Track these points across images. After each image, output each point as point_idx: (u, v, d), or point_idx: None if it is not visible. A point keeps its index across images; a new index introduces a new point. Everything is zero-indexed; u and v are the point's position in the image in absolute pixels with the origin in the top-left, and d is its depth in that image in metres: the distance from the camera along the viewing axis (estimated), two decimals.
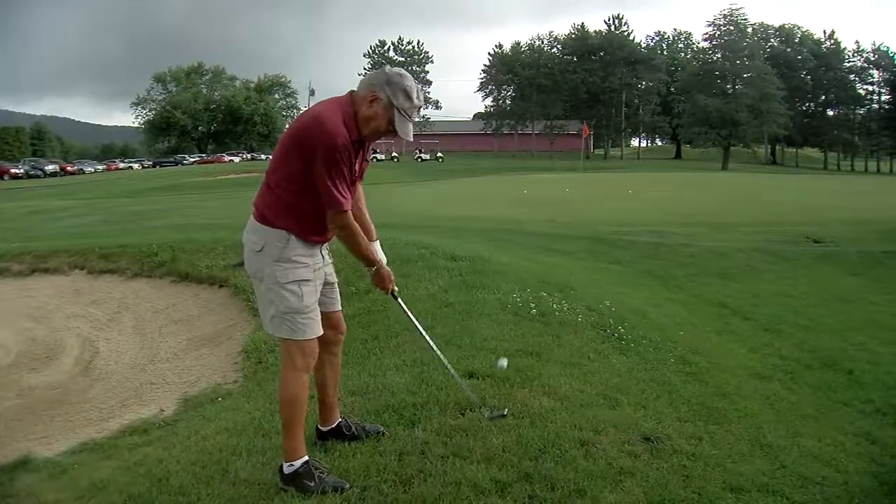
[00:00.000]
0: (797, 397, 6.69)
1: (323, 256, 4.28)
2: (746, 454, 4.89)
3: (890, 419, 6.29)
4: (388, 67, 4.00)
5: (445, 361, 4.78)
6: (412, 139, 4.09)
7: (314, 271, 4.13)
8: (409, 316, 4.61)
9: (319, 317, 4.17)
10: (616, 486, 4.08)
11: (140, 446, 5.42)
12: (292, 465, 4.04)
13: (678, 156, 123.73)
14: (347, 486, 4.03)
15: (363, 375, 5.88)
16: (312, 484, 3.98)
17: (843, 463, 5.13)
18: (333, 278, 4.42)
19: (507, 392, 5.27)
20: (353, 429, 4.62)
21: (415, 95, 3.95)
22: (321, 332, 4.17)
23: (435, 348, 4.74)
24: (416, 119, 4.04)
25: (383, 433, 4.63)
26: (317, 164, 3.78)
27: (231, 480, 4.24)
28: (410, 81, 3.97)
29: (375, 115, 3.92)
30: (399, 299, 4.50)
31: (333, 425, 4.62)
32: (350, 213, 4.00)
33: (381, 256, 4.37)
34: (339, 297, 4.53)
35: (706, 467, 4.47)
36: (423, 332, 4.70)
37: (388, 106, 3.91)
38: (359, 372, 6.03)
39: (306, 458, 4.08)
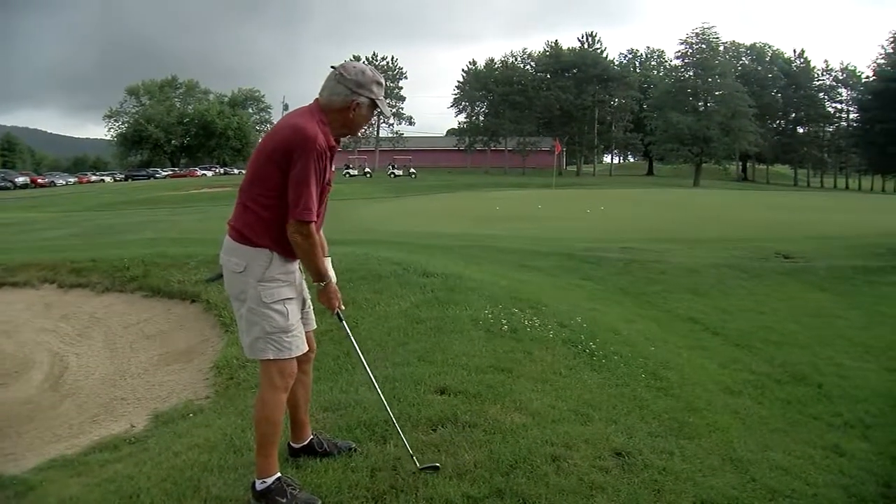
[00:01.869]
0: (767, 411, 6.73)
1: (300, 273, 4.26)
2: (717, 468, 4.93)
3: (858, 432, 6.35)
4: (343, 72, 4.01)
5: (380, 391, 4.67)
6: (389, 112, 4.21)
7: (294, 288, 4.12)
8: (349, 337, 4.56)
9: (303, 334, 4.17)
10: (588, 501, 4.10)
11: (110, 463, 5.36)
12: (265, 481, 4.02)
13: (650, 172, 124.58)
14: (319, 502, 4.03)
15: (335, 391, 5.87)
16: (284, 500, 3.97)
17: (812, 476, 5.17)
18: (307, 295, 4.39)
19: (478, 408, 5.29)
20: (325, 445, 4.61)
21: (380, 77, 4.12)
22: (306, 348, 4.18)
23: (372, 377, 4.66)
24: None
25: (355, 449, 4.63)
26: (294, 169, 3.78)
27: (203, 497, 4.21)
28: (369, 70, 4.10)
29: (363, 118, 4.10)
30: (344, 321, 4.43)
31: (305, 442, 4.60)
32: (313, 224, 3.94)
33: (332, 273, 4.29)
34: (313, 316, 4.50)
35: (677, 481, 4.50)
36: (361, 357, 4.65)
37: (370, 105, 4.06)
38: (331, 388, 6.02)
39: (279, 474, 4.07)
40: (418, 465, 4.27)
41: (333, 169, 4.21)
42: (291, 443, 4.61)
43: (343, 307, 4.38)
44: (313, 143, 3.77)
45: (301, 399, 4.51)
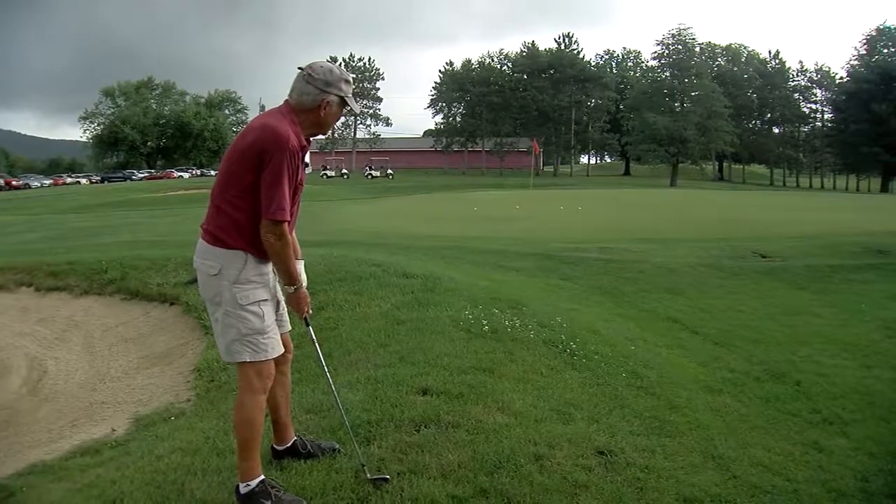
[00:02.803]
0: (747, 409, 6.77)
1: (273, 275, 4.23)
2: (698, 465, 4.98)
3: (836, 428, 6.40)
4: (311, 72, 4.02)
5: (339, 402, 4.71)
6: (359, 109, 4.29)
7: (268, 290, 4.12)
8: (314, 343, 4.54)
9: (279, 335, 4.18)
10: (571, 500, 4.13)
11: (92, 467, 5.32)
12: (248, 484, 4.01)
13: (627, 172, 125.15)
14: (304, 503, 4.03)
15: (317, 393, 5.85)
16: (269, 503, 3.96)
17: (792, 472, 5.24)
18: (281, 297, 4.36)
19: (461, 408, 5.30)
20: (309, 447, 4.61)
21: (348, 75, 4.17)
22: (282, 350, 4.18)
23: (333, 388, 4.66)
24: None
25: (339, 450, 4.63)
26: (267, 169, 3.78)
27: (187, 500, 4.20)
28: (336, 68, 4.11)
29: (333, 116, 4.14)
30: (310, 326, 4.42)
31: (289, 444, 4.60)
32: (286, 225, 3.93)
33: (303, 277, 4.29)
34: (287, 318, 4.49)
35: (659, 479, 4.55)
36: (324, 364, 4.62)
37: (340, 103, 4.11)
38: (313, 390, 6.00)
39: (262, 477, 4.06)
40: (369, 475, 4.24)
41: (309, 170, 4.21)
42: (274, 445, 4.61)
43: (311, 312, 4.37)
44: (285, 143, 3.79)
45: (281, 400, 4.50)
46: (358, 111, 4.22)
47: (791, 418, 6.64)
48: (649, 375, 7.11)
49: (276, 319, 4.22)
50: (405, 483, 4.17)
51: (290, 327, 4.50)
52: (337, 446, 4.67)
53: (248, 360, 4.00)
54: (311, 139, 4.37)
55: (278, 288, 4.31)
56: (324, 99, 4.02)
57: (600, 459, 4.71)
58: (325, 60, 4.27)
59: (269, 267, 4.13)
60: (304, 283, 4.27)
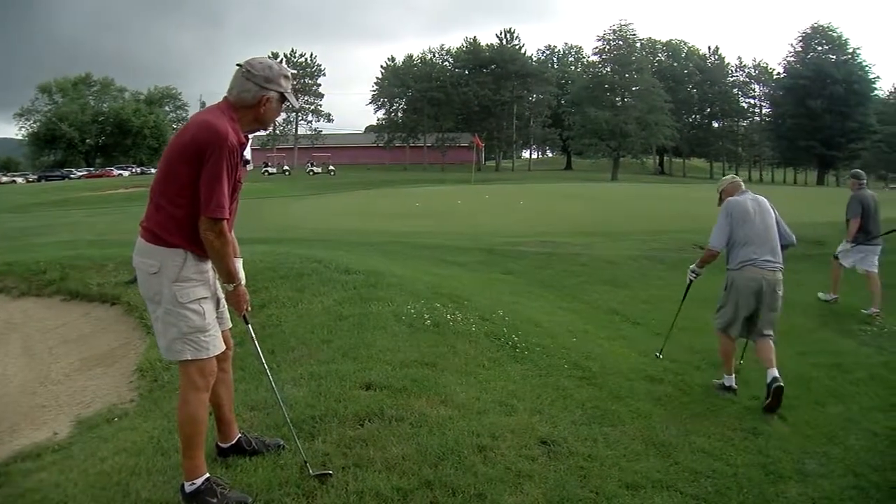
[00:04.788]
0: (688, 398, 6.87)
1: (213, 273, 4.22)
2: (641, 453, 5.08)
3: (774, 414, 6.52)
4: (251, 69, 4.03)
5: (280, 399, 4.73)
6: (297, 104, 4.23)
7: (208, 287, 4.11)
8: (254, 341, 4.53)
9: (220, 333, 4.18)
10: (515, 489, 4.18)
11: (34, 472, 5.24)
12: (194, 483, 4.01)
13: (569, 167, 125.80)
14: (250, 500, 4.05)
15: (260, 390, 5.84)
16: (215, 500, 3.97)
17: (732, 456, 5.35)
18: (221, 294, 4.34)
19: (404, 402, 5.34)
20: (254, 444, 4.61)
21: (287, 71, 4.18)
22: (223, 347, 4.19)
23: (274, 385, 4.68)
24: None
25: (283, 446, 4.63)
26: (206, 166, 3.76)
27: (132, 501, 4.18)
28: (275, 64, 4.13)
29: (273, 112, 4.15)
30: (249, 325, 4.42)
31: (233, 441, 4.59)
32: (224, 222, 3.91)
33: (242, 275, 4.28)
34: (228, 315, 4.48)
35: (602, 467, 4.63)
36: (264, 360, 4.61)
37: (280, 99, 4.12)
38: (256, 387, 5.99)
39: (207, 475, 4.06)
40: (312, 471, 4.25)
41: (251, 167, 4.21)
42: (219, 443, 4.60)
43: (250, 309, 4.37)
44: (224, 140, 3.77)
45: (224, 397, 4.49)
46: (297, 107, 4.27)
47: (730, 405, 6.75)
48: (591, 366, 7.20)
49: (217, 317, 4.22)
50: (350, 477, 4.19)
51: (230, 324, 4.49)
52: (282, 443, 4.67)
53: (189, 359, 3.99)
54: (251, 136, 4.36)
55: (218, 285, 4.30)
56: (263, 95, 4.02)
57: (543, 449, 4.78)
58: (266, 56, 4.27)
59: (209, 265, 4.11)
60: (243, 281, 4.26)
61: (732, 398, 6.94)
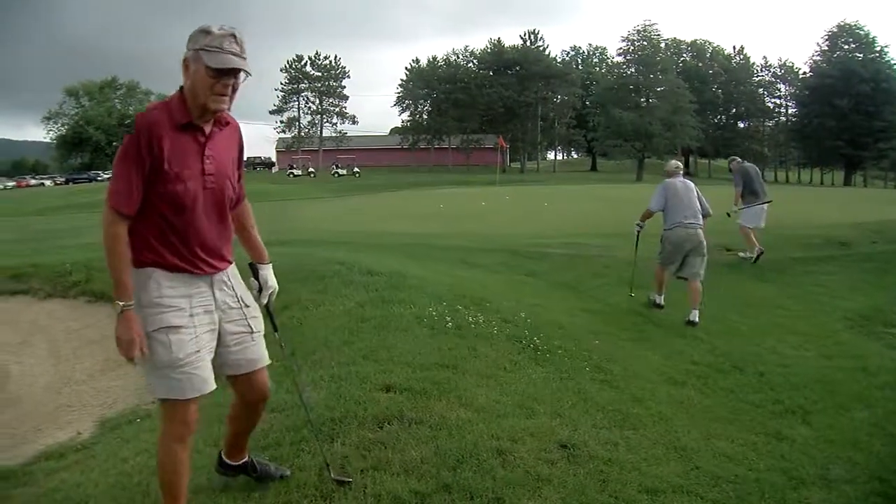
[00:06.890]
0: (710, 401, 6.82)
1: (216, 295, 3.66)
2: (661, 457, 5.01)
3: (798, 418, 6.46)
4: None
5: (303, 400, 4.66)
6: (236, 65, 3.37)
7: (191, 316, 3.52)
8: (282, 349, 4.29)
9: (206, 371, 3.54)
10: (534, 494, 4.13)
11: (56, 471, 5.29)
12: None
13: (594, 168, 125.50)
14: (288, 472, 4.16)
15: (281, 392, 5.81)
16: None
17: (754, 461, 5.29)
18: (247, 326, 3.77)
19: (424, 404, 5.30)
20: (259, 470, 4.21)
21: (213, 28, 3.36)
22: (207, 389, 3.54)
23: (298, 388, 4.69)
24: (234, 48, 3.37)
25: (288, 477, 4.24)
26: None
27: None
28: (206, 25, 3.40)
29: (201, 79, 3.34)
30: (277, 332, 4.09)
31: (238, 463, 4.21)
32: (123, 218, 3.36)
33: (272, 282, 3.93)
34: (261, 352, 3.85)
35: (622, 471, 4.57)
36: (294, 365, 4.41)
37: (195, 57, 3.36)
38: (276, 389, 5.94)
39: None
40: (332, 475, 4.14)
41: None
42: (224, 457, 4.22)
43: (147, 352, 3.43)
44: (137, 121, 3.32)
45: (245, 429, 4.11)
46: (219, 65, 3.31)
47: (754, 409, 6.70)
48: (613, 369, 7.16)
49: (235, 357, 3.73)
50: (368, 479, 4.15)
51: (266, 360, 3.88)
52: (288, 473, 4.26)
53: (161, 398, 3.55)
54: (236, 120, 3.76)
55: (238, 314, 3.75)
56: (184, 59, 3.42)
57: (563, 453, 4.73)
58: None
59: (197, 284, 3.57)
60: (274, 288, 3.94)
61: (756, 402, 6.87)
